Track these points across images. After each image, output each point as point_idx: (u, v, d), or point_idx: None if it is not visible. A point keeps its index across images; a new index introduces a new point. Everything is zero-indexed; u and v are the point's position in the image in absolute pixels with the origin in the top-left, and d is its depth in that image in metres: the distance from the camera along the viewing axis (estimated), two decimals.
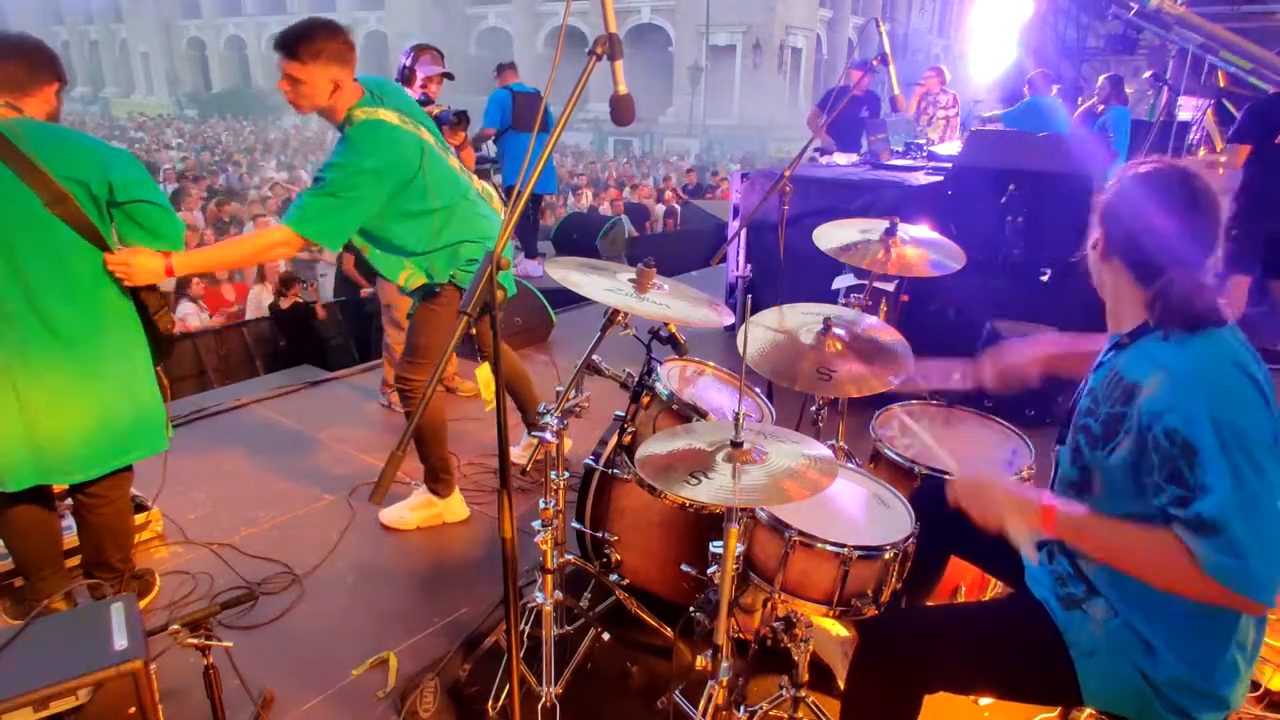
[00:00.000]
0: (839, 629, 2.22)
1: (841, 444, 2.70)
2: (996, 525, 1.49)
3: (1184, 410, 1.32)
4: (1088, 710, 1.62)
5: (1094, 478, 1.50)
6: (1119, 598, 1.48)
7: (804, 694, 1.97)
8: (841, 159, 5.73)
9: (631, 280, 2.01)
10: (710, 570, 1.84)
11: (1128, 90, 7.21)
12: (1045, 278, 4.26)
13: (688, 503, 2.08)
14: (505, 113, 6.62)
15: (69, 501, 2.51)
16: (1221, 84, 9.95)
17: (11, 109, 2.07)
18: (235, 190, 13.47)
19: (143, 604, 2.56)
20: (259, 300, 8.52)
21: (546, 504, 2.09)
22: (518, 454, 3.47)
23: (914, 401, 2.64)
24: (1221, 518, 1.29)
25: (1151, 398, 1.37)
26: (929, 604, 2.11)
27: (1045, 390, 4.06)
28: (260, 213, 10.53)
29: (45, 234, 2.07)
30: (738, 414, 1.60)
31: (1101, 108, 6.66)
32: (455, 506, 3.14)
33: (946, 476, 2.18)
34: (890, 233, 2.57)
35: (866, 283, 2.85)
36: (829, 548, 1.79)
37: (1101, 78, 6.95)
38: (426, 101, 3.92)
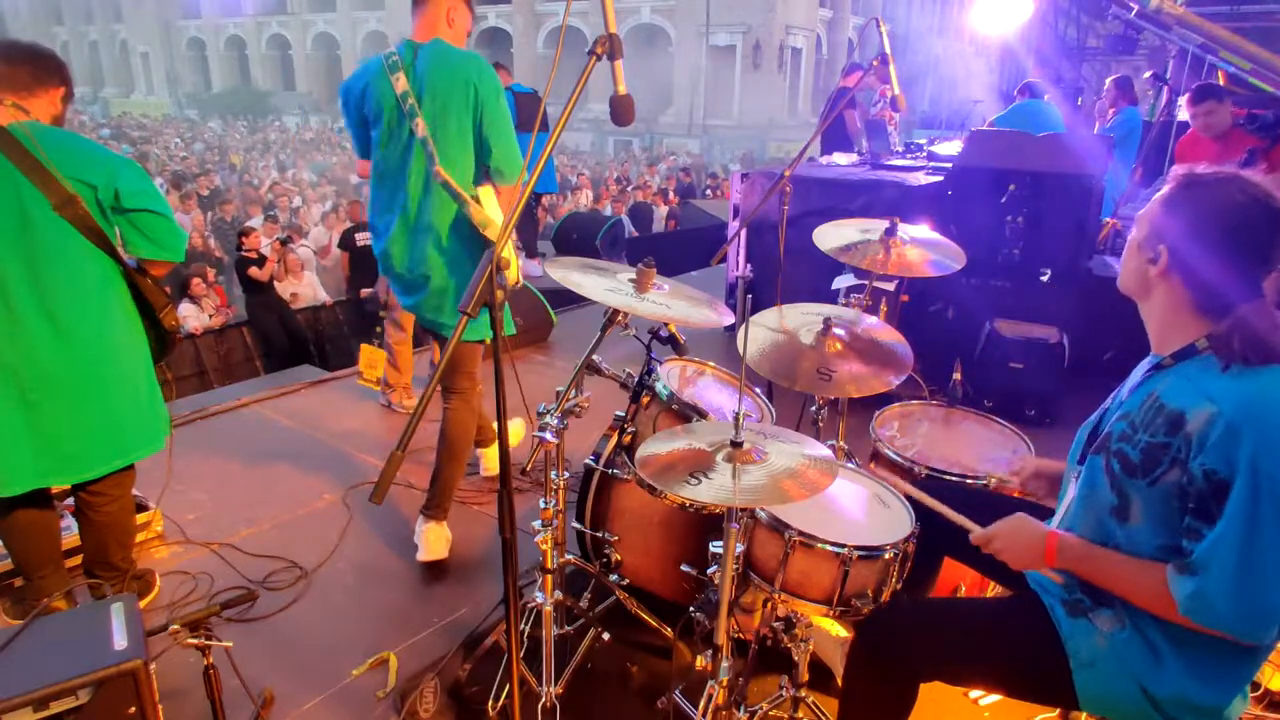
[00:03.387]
0: (839, 629, 2.22)
1: (841, 444, 2.70)
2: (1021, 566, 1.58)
3: (1226, 452, 1.29)
4: (1086, 713, 1.62)
5: (1132, 505, 1.44)
6: (1134, 607, 1.44)
7: (804, 694, 1.98)
8: (841, 159, 5.74)
9: (631, 280, 2.01)
10: (710, 570, 1.84)
11: None
12: (1045, 278, 4.26)
13: (688, 503, 2.08)
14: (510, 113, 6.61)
15: (69, 501, 2.51)
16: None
17: (19, 110, 2.09)
18: (220, 191, 13.45)
19: (143, 604, 2.56)
20: (315, 240, 9.25)
21: (546, 504, 2.09)
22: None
23: (914, 401, 2.64)
24: (1203, 560, 1.30)
25: (1199, 433, 1.32)
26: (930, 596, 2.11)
27: (1045, 390, 4.07)
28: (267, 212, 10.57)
29: (55, 236, 2.08)
30: (738, 414, 1.60)
31: (1111, 111, 6.62)
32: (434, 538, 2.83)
33: (962, 480, 2.18)
34: (890, 233, 2.56)
35: (866, 283, 2.85)
36: (829, 548, 1.79)
37: (1108, 80, 6.87)
38: None
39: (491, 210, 2.65)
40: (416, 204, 2.64)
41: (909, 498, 2.01)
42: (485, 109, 2.57)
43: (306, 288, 8.10)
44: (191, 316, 7.21)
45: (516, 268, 2.78)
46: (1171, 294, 1.43)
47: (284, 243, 8.25)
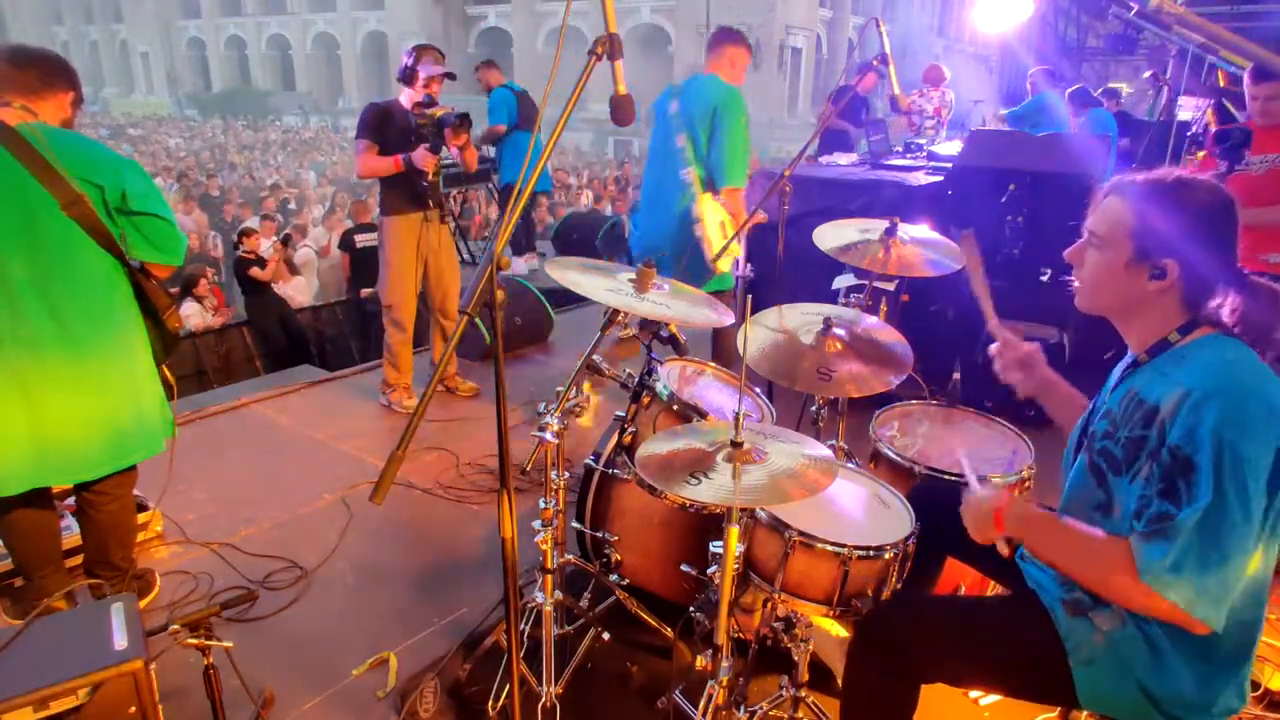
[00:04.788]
0: (839, 629, 2.22)
1: (841, 444, 2.70)
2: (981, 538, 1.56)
3: (1191, 427, 1.31)
4: (1086, 711, 1.62)
5: (1115, 502, 1.47)
6: None
7: (804, 694, 1.97)
8: (842, 159, 5.73)
9: (631, 280, 2.01)
10: (710, 570, 1.84)
11: (1127, 90, 7.24)
12: (1045, 278, 4.26)
13: (688, 503, 2.08)
14: (512, 111, 6.68)
15: (69, 501, 2.51)
16: (1221, 84, 9.92)
17: (28, 112, 2.09)
18: (223, 191, 13.43)
19: (143, 604, 2.56)
20: (315, 241, 9.14)
21: (546, 504, 2.09)
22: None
23: (914, 401, 2.64)
24: (1178, 528, 1.30)
25: (1170, 416, 1.35)
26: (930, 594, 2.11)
27: None
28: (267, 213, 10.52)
29: (61, 235, 2.08)
30: (738, 414, 1.60)
31: (1079, 119, 6.75)
32: None
33: (959, 480, 2.18)
34: (890, 233, 2.56)
35: (866, 283, 2.85)
36: (829, 548, 1.79)
37: (1066, 92, 7.03)
38: (430, 102, 3.92)
39: (708, 214, 3.49)
40: (666, 193, 3.61)
41: (920, 486, 2.01)
42: (718, 127, 3.43)
43: (290, 290, 8.00)
44: (194, 315, 7.20)
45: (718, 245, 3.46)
46: (1163, 299, 1.44)
47: (285, 242, 8.24)
